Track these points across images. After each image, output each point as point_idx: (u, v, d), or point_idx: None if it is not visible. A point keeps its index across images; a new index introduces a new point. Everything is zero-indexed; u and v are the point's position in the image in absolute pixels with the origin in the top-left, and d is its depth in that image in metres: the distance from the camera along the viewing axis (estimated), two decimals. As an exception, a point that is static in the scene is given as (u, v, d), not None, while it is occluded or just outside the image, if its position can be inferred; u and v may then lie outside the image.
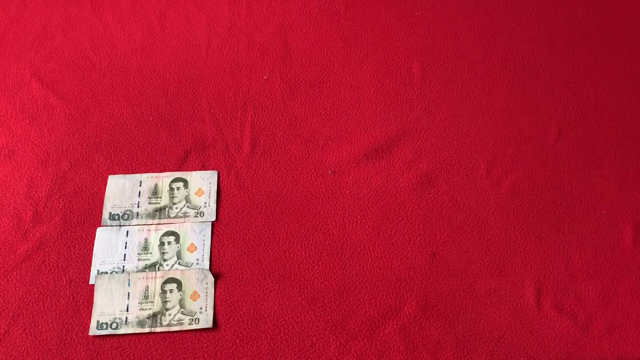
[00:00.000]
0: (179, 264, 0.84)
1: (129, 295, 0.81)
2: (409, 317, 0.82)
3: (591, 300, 0.83)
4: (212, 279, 0.83)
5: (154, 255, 0.84)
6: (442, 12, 1.12)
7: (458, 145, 0.96)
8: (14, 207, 0.88)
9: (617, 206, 0.91)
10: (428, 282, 0.84)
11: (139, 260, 0.84)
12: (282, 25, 1.09)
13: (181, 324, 0.80)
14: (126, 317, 0.79)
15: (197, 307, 0.81)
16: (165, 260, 0.84)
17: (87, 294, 0.81)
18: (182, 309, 0.80)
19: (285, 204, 0.90)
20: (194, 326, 0.79)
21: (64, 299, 0.81)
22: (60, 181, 0.90)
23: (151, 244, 0.85)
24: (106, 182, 0.90)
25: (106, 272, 0.83)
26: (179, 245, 0.85)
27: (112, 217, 0.87)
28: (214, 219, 0.88)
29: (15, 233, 0.86)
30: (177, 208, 0.88)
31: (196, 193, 0.89)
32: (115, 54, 1.04)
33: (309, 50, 1.06)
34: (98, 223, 0.87)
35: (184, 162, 0.93)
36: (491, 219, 0.89)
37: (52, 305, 0.80)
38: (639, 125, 0.99)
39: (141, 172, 0.91)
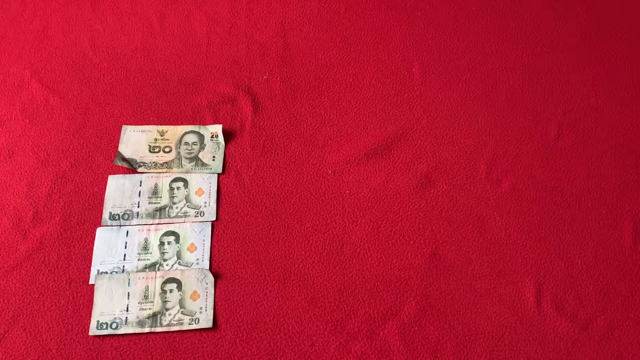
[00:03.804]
0: (179, 263, 0.84)
1: (129, 295, 0.81)
2: (409, 317, 0.82)
3: (591, 300, 0.83)
4: (212, 279, 0.83)
5: (154, 255, 0.84)
6: (442, 12, 1.12)
7: (458, 145, 0.96)
8: (14, 207, 0.88)
9: (617, 206, 0.91)
10: (428, 282, 0.84)
11: (139, 260, 0.84)
12: (282, 25, 1.09)
13: (181, 324, 0.80)
14: (126, 317, 0.79)
15: (197, 307, 0.81)
16: (165, 260, 0.84)
17: (87, 294, 0.81)
18: (182, 309, 0.80)
19: (285, 204, 0.90)
20: (194, 326, 0.79)
21: (64, 299, 0.81)
22: (60, 181, 0.90)
23: (151, 244, 0.85)
24: (106, 182, 0.90)
25: (106, 272, 0.83)
26: (179, 245, 0.85)
27: (112, 217, 0.87)
28: (214, 218, 0.88)
29: (15, 233, 0.86)
30: (177, 208, 0.88)
31: (196, 193, 0.89)
32: (115, 54, 1.04)
33: (309, 50, 1.06)
34: (98, 223, 0.87)
35: (184, 162, 0.93)
36: (491, 219, 0.89)
37: (52, 305, 0.80)
38: (639, 125, 0.99)
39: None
